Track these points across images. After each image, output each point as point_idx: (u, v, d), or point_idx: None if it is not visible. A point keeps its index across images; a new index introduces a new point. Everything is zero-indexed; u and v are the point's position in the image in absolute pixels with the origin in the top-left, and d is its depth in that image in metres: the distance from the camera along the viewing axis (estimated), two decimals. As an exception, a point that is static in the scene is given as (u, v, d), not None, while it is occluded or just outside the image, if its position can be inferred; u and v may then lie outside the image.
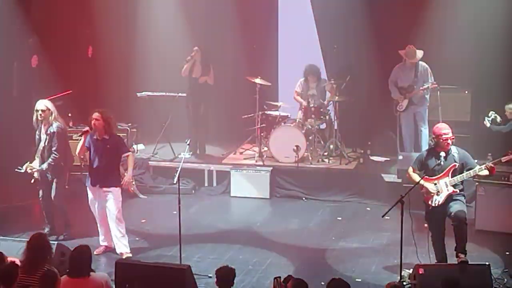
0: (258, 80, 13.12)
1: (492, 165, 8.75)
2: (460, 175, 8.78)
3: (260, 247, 10.29)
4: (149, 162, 13.28)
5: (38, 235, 7.52)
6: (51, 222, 10.56)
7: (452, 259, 8.87)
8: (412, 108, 12.41)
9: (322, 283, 8.28)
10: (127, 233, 9.95)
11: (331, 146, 13.16)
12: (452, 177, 8.78)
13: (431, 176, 8.85)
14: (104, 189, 9.71)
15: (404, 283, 8.39)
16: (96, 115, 9.64)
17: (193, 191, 12.76)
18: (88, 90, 14.23)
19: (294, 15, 14.38)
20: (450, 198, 8.80)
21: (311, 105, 12.86)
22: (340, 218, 11.54)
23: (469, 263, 8.55)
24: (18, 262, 7.13)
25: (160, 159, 13.40)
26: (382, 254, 9.90)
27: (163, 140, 13.63)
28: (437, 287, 7.05)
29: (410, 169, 9.10)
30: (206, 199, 12.60)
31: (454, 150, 8.88)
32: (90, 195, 9.87)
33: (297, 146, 12.49)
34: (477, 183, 10.61)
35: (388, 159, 13.02)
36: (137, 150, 13.65)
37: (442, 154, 8.80)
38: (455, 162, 8.80)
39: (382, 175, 12.29)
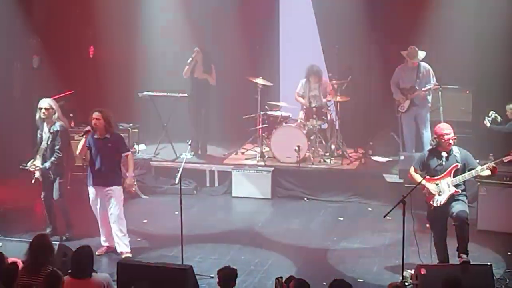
0: (259, 80, 13.12)
1: (494, 165, 8.75)
2: (462, 175, 8.77)
3: (261, 247, 10.29)
4: (151, 162, 13.27)
5: (41, 236, 7.52)
6: (53, 223, 10.56)
7: (454, 259, 8.86)
8: (414, 109, 12.40)
9: (324, 283, 8.26)
10: (129, 233, 9.96)
11: (333, 146, 13.16)
12: (454, 177, 8.78)
13: (433, 176, 8.85)
14: (106, 188, 9.72)
15: (406, 284, 8.39)
16: (96, 114, 9.65)
17: (194, 192, 12.76)
18: (90, 90, 14.25)
19: (295, 15, 14.38)
20: (452, 198, 8.80)
21: (313, 106, 12.85)
22: (341, 219, 11.53)
23: (471, 263, 8.54)
24: (20, 262, 7.14)
25: (162, 159, 13.39)
26: (384, 255, 9.89)
27: (165, 140, 13.62)
28: (439, 288, 7.06)
29: (412, 169, 9.10)
30: (208, 199, 12.60)
31: (456, 150, 8.88)
32: (91, 195, 9.87)
33: (298, 146, 12.48)
34: (479, 183, 10.61)
35: (390, 159, 13.01)
36: (138, 150, 13.65)
37: (444, 154, 8.80)
38: (457, 162, 8.79)
39: (384, 175, 12.29)
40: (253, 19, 14.29)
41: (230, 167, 12.85)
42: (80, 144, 9.85)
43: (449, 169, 8.79)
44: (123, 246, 9.79)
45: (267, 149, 13.09)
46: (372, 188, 12.18)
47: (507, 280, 8.88)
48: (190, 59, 13.16)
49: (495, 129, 11.51)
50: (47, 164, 10.15)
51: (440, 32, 12.79)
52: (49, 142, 10.14)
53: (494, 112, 11.51)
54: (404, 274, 8.49)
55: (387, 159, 13.10)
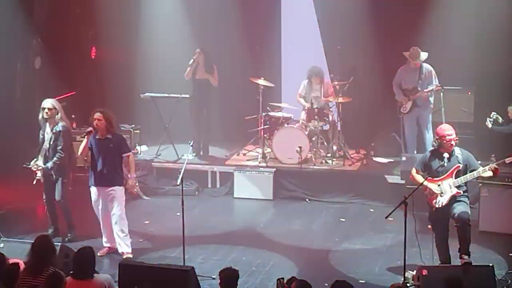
0: (261, 81, 13.12)
1: (496, 167, 8.74)
2: (464, 176, 8.76)
3: (263, 248, 10.29)
4: (153, 164, 13.28)
5: (43, 237, 7.53)
6: (55, 224, 10.56)
7: (455, 261, 8.86)
8: (416, 110, 12.39)
9: (326, 284, 8.28)
10: (131, 234, 9.97)
11: (334, 147, 13.16)
12: (455, 178, 8.77)
13: (435, 178, 8.85)
14: (108, 188, 9.73)
15: (408, 285, 8.39)
16: (97, 115, 9.67)
17: (196, 193, 12.75)
18: (91, 91, 14.26)
19: (297, 16, 14.38)
20: (453, 199, 8.79)
21: (315, 107, 12.85)
22: (343, 220, 11.53)
23: (473, 264, 8.53)
24: (22, 263, 7.15)
25: (164, 161, 13.39)
26: (385, 256, 9.89)
27: (166, 141, 13.62)
28: (440, 289, 7.06)
29: (414, 170, 9.09)
30: (210, 200, 12.60)
31: (457, 151, 8.87)
32: (93, 196, 9.87)
33: (300, 147, 12.48)
34: (480, 184, 10.60)
35: (392, 160, 13.00)
36: (140, 152, 13.66)
37: (446, 155, 8.80)
38: (459, 163, 8.79)
39: (386, 176, 12.28)
40: (255, 20, 14.31)
41: (232, 168, 12.85)
42: (81, 145, 9.86)
43: (451, 170, 8.78)
44: (124, 247, 9.80)
45: (269, 150, 13.09)
46: (374, 189, 12.17)
47: (509, 281, 8.87)
48: (192, 60, 13.17)
49: (497, 130, 11.52)
50: (50, 164, 10.16)
51: (441, 33, 12.80)
52: (51, 142, 10.14)
53: (495, 113, 11.52)
54: (406, 275, 8.49)
55: (388, 160, 13.09)
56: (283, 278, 6.90)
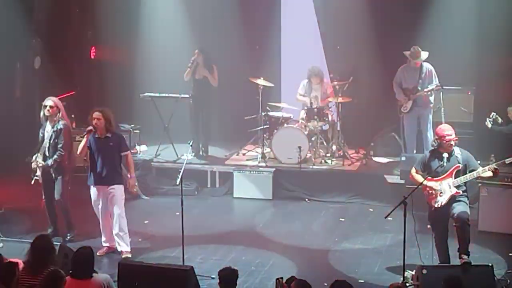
0: (260, 81, 13.12)
1: (496, 167, 8.74)
2: (464, 176, 8.76)
3: (262, 248, 10.29)
4: (152, 163, 13.27)
5: (42, 237, 7.52)
6: (54, 223, 10.56)
7: (455, 260, 8.85)
8: (416, 110, 12.38)
9: (325, 284, 8.28)
10: (130, 234, 9.97)
11: (334, 147, 13.16)
12: (455, 178, 8.77)
13: (434, 177, 8.85)
14: (108, 187, 9.74)
15: (407, 284, 8.39)
16: (97, 114, 9.69)
17: (195, 192, 12.76)
18: (91, 91, 14.26)
19: (297, 16, 14.39)
20: (453, 199, 8.79)
21: (314, 106, 12.85)
22: (343, 219, 11.53)
23: (472, 264, 8.53)
24: (21, 263, 7.14)
25: (163, 160, 13.39)
26: (385, 255, 9.89)
27: (166, 141, 13.61)
28: (440, 288, 7.06)
29: (413, 170, 9.09)
30: (209, 200, 12.60)
31: (457, 151, 8.87)
32: (93, 195, 9.88)
33: (299, 147, 12.48)
34: (480, 184, 10.60)
35: (391, 160, 13.01)
36: (140, 151, 13.66)
37: (445, 155, 8.80)
38: (459, 163, 8.79)
39: (385, 176, 12.28)
40: (254, 19, 14.31)
41: (231, 168, 12.85)
42: (81, 144, 9.85)
43: (451, 170, 8.78)
44: (124, 246, 9.81)
45: (268, 150, 13.09)
46: (373, 189, 12.18)
47: (508, 281, 8.86)
48: (191, 61, 13.15)
49: (496, 130, 11.52)
50: (50, 161, 10.15)
51: (441, 33, 12.80)
52: (51, 141, 10.14)
53: (495, 113, 11.52)
54: (405, 275, 8.49)
55: (388, 160, 13.10)
56: (282, 278, 6.89)
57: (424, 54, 12.18)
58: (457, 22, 12.78)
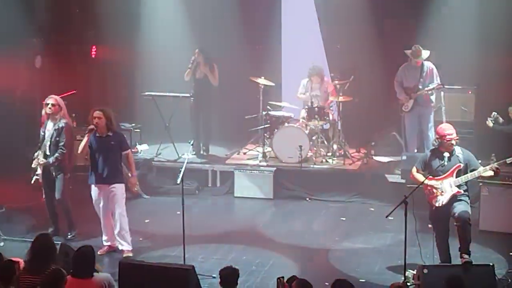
0: (261, 81, 13.12)
1: (497, 166, 8.74)
2: (465, 175, 8.75)
3: (263, 247, 10.29)
4: (153, 163, 13.27)
5: (43, 236, 7.52)
6: (55, 223, 10.56)
7: (456, 260, 8.85)
8: (417, 109, 12.36)
9: (326, 283, 8.27)
10: (131, 233, 9.98)
11: (335, 147, 13.16)
12: (456, 177, 8.77)
13: (435, 177, 8.84)
14: (109, 186, 9.74)
15: (408, 284, 8.38)
16: (98, 113, 9.69)
17: (196, 192, 12.76)
18: (92, 90, 14.25)
19: (297, 15, 14.38)
20: (454, 198, 8.78)
21: (315, 106, 12.84)
22: (343, 219, 11.53)
23: (473, 263, 8.52)
24: (22, 262, 7.14)
25: (164, 160, 13.39)
26: (386, 255, 9.88)
27: (167, 140, 13.62)
28: (441, 288, 7.06)
29: (414, 170, 9.09)
30: (210, 199, 12.60)
31: (458, 150, 8.87)
32: (94, 194, 9.88)
33: (300, 147, 12.47)
34: (481, 184, 10.60)
35: (392, 159, 13.00)
36: (140, 150, 13.65)
37: (446, 154, 8.79)
38: (460, 162, 8.78)
39: (386, 175, 12.29)
40: (255, 18, 14.32)
41: (232, 167, 12.84)
42: (82, 143, 9.85)
43: (452, 169, 8.78)
44: (125, 245, 9.84)
45: (269, 149, 13.09)
46: (374, 188, 12.17)
47: (509, 280, 8.86)
48: (191, 62, 13.13)
49: (497, 129, 11.52)
50: (51, 159, 10.14)
51: (442, 32, 12.80)
52: (52, 139, 10.15)
53: (496, 113, 11.52)
54: (406, 274, 8.49)
55: (389, 159, 13.10)
56: (283, 277, 6.90)
57: (425, 53, 12.16)
58: (458, 21, 12.77)
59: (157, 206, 12.16)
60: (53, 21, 13.85)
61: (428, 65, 12.24)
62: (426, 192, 8.91)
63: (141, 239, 10.53)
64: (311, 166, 12.75)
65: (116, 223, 9.79)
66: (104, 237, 10.01)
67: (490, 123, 11.52)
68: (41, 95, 11.03)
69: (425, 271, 8.14)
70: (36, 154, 10.26)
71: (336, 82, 12.95)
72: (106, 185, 9.77)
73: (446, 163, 8.78)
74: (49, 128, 10.21)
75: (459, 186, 8.77)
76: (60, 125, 10.14)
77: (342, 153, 13.05)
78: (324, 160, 12.93)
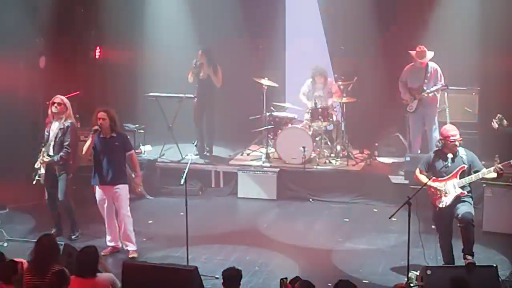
0: (265, 81, 13.12)
1: (501, 168, 8.73)
2: (469, 177, 8.75)
3: (266, 248, 10.29)
4: (156, 163, 13.27)
5: (46, 236, 7.53)
6: (58, 223, 10.56)
7: (459, 261, 8.85)
8: (422, 110, 12.32)
9: (329, 284, 8.27)
10: (134, 234, 9.98)
11: (338, 148, 13.15)
12: (460, 178, 8.76)
13: (439, 178, 8.83)
14: (114, 187, 9.75)
15: (411, 285, 8.36)
16: (101, 114, 9.71)
17: (200, 192, 12.76)
18: (96, 91, 14.25)
19: (301, 16, 14.37)
20: (457, 199, 8.78)
21: (318, 106, 12.83)
22: (347, 220, 11.52)
23: (477, 264, 8.51)
24: (25, 263, 7.15)
25: (167, 160, 13.39)
26: (389, 256, 9.88)
27: (170, 141, 13.62)
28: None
29: (417, 171, 9.09)
30: (213, 200, 12.60)
31: (462, 151, 8.86)
32: (98, 195, 9.88)
33: (304, 148, 12.46)
34: (484, 185, 10.59)
35: (396, 160, 12.99)
36: (144, 151, 13.66)
37: (450, 155, 8.78)
38: (464, 163, 8.78)
39: (389, 176, 12.27)
40: (259, 19, 14.30)
41: (236, 168, 12.85)
42: (86, 144, 9.87)
43: (455, 170, 8.77)
44: (130, 245, 9.85)
45: (273, 150, 13.09)
46: (378, 189, 12.16)
47: (513, 281, 8.87)
48: (194, 63, 13.11)
49: (502, 131, 11.48)
50: (56, 157, 10.15)
51: (446, 33, 12.77)
52: (57, 139, 10.16)
53: (500, 115, 11.48)
54: (409, 275, 8.48)
55: (392, 160, 13.08)
56: (286, 278, 6.89)
57: (430, 54, 12.14)
58: (462, 22, 12.75)
59: (160, 207, 12.17)
60: (57, 21, 13.84)
61: (432, 65, 12.21)
62: (429, 193, 8.91)
63: (144, 239, 10.53)
64: (315, 167, 12.74)
65: (121, 224, 9.79)
66: (108, 238, 10.02)
67: (495, 125, 11.48)
68: (44, 95, 11.05)
69: (429, 272, 8.14)
70: (40, 154, 10.27)
71: (340, 83, 12.94)
72: (110, 186, 9.78)
73: (449, 164, 8.78)
74: (54, 128, 10.23)
75: (462, 187, 8.77)
76: (66, 125, 10.17)
77: (346, 154, 13.04)
78: (327, 161, 12.93)
